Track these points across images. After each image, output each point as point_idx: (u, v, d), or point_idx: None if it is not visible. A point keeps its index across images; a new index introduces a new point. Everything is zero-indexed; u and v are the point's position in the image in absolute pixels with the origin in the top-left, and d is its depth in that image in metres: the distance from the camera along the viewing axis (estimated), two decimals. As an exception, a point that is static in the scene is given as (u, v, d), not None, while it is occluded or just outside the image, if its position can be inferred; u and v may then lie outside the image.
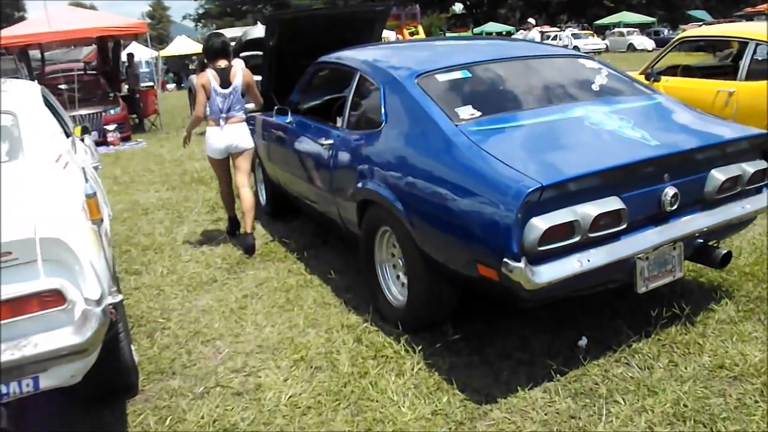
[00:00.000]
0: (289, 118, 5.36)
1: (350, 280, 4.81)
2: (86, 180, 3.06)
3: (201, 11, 70.65)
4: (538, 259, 2.97)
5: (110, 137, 13.86)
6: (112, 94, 14.90)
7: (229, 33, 16.77)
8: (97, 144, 13.68)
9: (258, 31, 15.06)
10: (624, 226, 3.17)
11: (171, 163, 10.70)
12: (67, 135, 5.06)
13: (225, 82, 5.63)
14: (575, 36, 41.94)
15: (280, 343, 3.99)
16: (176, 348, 4.07)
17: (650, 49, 41.05)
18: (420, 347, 3.68)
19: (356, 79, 4.46)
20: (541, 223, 2.91)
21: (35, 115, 3.45)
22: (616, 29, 46.06)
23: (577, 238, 3.02)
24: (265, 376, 3.63)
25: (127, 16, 15.08)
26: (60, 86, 15.24)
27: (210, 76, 5.62)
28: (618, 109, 3.77)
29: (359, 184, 4.03)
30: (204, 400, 3.47)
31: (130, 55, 17.25)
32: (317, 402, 3.34)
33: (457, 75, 3.91)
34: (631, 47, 41.57)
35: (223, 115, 5.64)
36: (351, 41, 6.87)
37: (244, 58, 14.62)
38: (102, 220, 2.42)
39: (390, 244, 4.05)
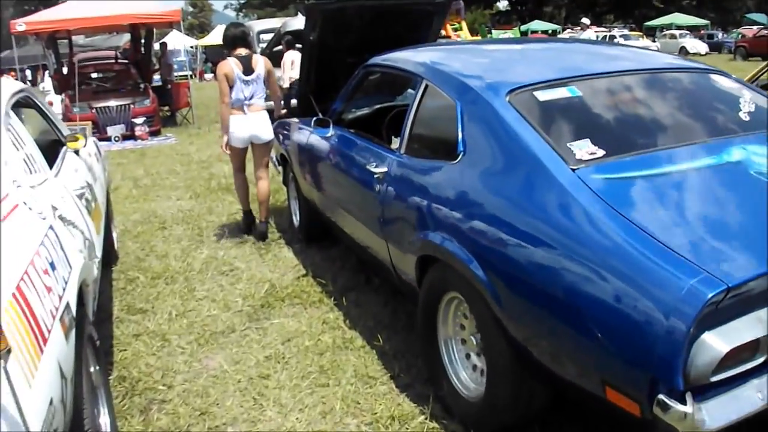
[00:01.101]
0: (331, 132, 4.37)
1: (401, 341, 3.81)
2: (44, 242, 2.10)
3: (243, 1, 70.06)
4: (704, 391, 1.94)
5: (138, 131, 13.10)
6: (142, 85, 14.10)
7: (268, 24, 15.87)
8: (125, 138, 12.97)
9: (298, 22, 14.11)
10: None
11: (198, 165, 9.79)
12: (62, 144, 4.16)
13: (248, 70, 5.61)
14: (625, 37, 40.38)
15: (309, 440, 3.01)
16: (175, 436, 3.12)
17: (703, 53, 39.34)
18: (501, 470, 2.67)
19: (421, 90, 3.43)
20: (719, 343, 1.87)
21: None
22: (667, 31, 44.33)
23: (760, 359, 1.99)
24: (287, 498, 2.65)
25: (169, 4, 14.15)
26: (91, 75, 14.54)
27: (233, 64, 5.58)
28: (786, 149, 2.70)
29: (421, 234, 3.03)
30: None
31: (163, 44, 16.43)
32: None
33: (563, 93, 2.87)
34: (683, 51, 39.83)
35: (247, 103, 5.62)
36: (405, 38, 5.94)
37: (279, 52, 13.78)
38: (9, 350, 1.46)
39: (460, 313, 3.04)
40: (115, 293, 4.85)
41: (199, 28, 75.46)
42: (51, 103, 14.53)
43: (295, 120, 5.83)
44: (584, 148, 2.52)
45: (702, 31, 44.79)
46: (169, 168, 9.70)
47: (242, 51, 5.67)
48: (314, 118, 4.42)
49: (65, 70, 14.77)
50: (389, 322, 4.05)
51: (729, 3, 55.82)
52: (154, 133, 13.43)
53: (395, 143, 3.72)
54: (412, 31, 6.10)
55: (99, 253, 3.37)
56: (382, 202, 3.46)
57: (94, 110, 12.94)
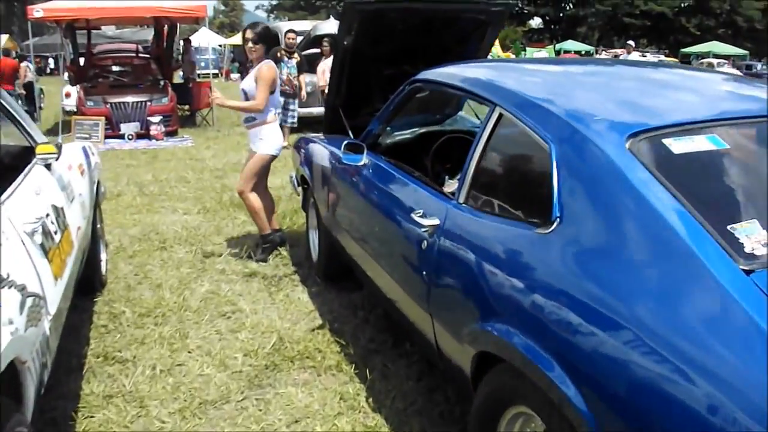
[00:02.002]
0: (364, 159, 3.55)
1: (438, 437, 2.97)
2: None
3: (274, 2, 69.63)
4: None
5: (153, 130, 12.37)
6: (162, 82, 13.36)
7: (298, 26, 15.14)
8: (139, 136, 12.24)
9: (329, 26, 13.38)
10: None
11: (211, 174, 9.01)
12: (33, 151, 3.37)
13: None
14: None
15: None
16: None
17: (742, 83, 38.21)
18: None
19: (492, 121, 2.58)
20: None
21: None
22: (705, 59, 43.17)
23: None
24: None
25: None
26: (108, 68, 13.89)
27: (276, 70, 5.27)
28: None
29: (483, 323, 2.19)
30: None
31: (187, 41, 15.72)
32: None
33: (704, 144, 2.02)
34: (720, 80, 38.72)
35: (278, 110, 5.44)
36: (453, 51, 5.17)
37: (309, 56, 13.01)
38: None
39: (529, 431, 2.20)
40: (93, 332, 4.06)
41: (229, 27, 75.14)
42: (68, 94, 13.84)
43: (320, 137, 5.04)
44: (754, 236, 1.67)
45: (740, 62, 43.60)
46: (179, 175, 8.92)
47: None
48: (345, 142, 3.60)
49: (83, 61, 14.15)
50: (424, 406, 3.20)
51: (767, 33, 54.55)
52: (171, 134, 12.69)
53: (449, 185, 2.90)
54: (461, 42, 5.31)
55: (53, 308, 2.56)
56: (430, 266, 2.62)
57: (108, 105, 12.22)
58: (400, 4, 4.89)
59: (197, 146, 11.58)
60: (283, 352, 3.76)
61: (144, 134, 12.34)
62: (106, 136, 12.07)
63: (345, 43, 4.83)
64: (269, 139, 5.14)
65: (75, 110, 12.73)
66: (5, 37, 36.55)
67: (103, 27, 24.77)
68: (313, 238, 5.05)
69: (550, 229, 2.02)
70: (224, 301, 4.52)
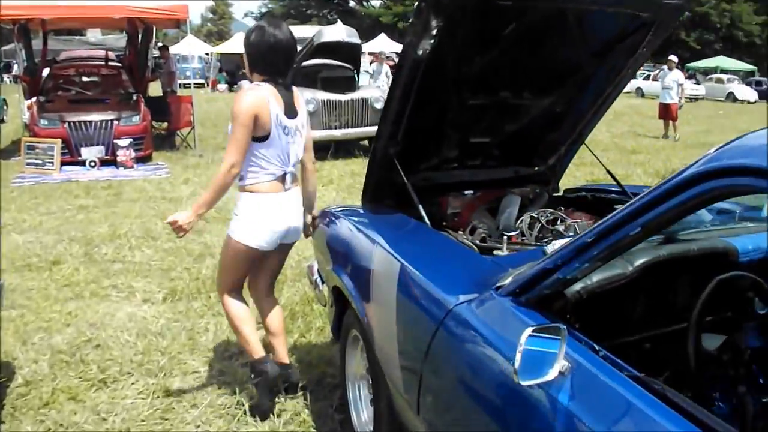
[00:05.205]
0: (561, 362, 1.36)
1: None
2: None
3: (264, 10, 67.37)
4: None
5: (121, 156, 10.17)
6: (134, 97, 11.12)
7: (297, 33, 12.96)
8: (104, 163, 10.06)
9: (336, 32, 11.21)
10: None
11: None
12: None
13: (290, 109, 3.03)
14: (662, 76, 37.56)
15: None
16: None
17: (753, 100, 36.45)
18: None
19: None
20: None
21: None
22: (714, 75, 41.39)
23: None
24: None
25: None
26: (70, 79, 11.68)
27: (270, 95, 2.94)
28: None
29: None
30: None
31: (163, 48, 13.50)
32: None
33: None
34: (730, 97, 36.99)
35: (290, 170, 3.06)
36: (585, 67, 3.10)
37: (311, 68, 10.95)
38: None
39: None
40: None
41: (217, 35, 72.86)
42: (30, 107, 11.58)
43: (364, 215, 2.93)
44: None
45: (749, 78, 41.92)
46: (144, 225, 6.68)
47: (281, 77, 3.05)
48: (529, 328, 1.37)
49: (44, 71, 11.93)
50: None
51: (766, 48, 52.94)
52: (143, 159, 10.47)
53: None
54: (599, 56, 3.21)
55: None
56: None
57: (66, 125, 9.97)
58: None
59: (173, 178, 9.36)
60: None
61: (110, 160, 10.13)
62: (63, 163, 9.85)
63: (418, 52, 2.70)
64: (246, 217, 3.02)
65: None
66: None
67: (89, 32, 22.52)
68: (356, 395, 2.86)
69: None
70: None
